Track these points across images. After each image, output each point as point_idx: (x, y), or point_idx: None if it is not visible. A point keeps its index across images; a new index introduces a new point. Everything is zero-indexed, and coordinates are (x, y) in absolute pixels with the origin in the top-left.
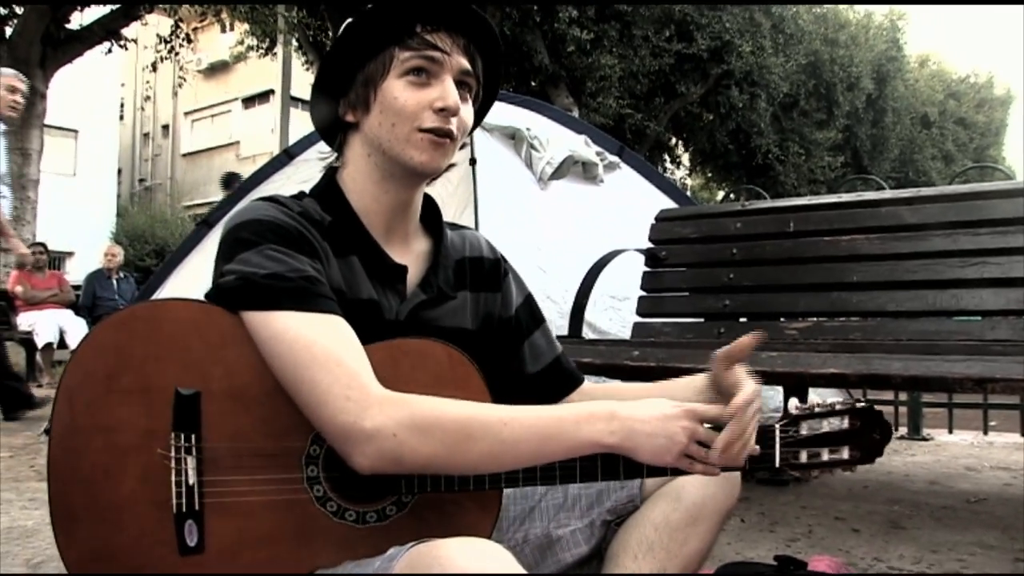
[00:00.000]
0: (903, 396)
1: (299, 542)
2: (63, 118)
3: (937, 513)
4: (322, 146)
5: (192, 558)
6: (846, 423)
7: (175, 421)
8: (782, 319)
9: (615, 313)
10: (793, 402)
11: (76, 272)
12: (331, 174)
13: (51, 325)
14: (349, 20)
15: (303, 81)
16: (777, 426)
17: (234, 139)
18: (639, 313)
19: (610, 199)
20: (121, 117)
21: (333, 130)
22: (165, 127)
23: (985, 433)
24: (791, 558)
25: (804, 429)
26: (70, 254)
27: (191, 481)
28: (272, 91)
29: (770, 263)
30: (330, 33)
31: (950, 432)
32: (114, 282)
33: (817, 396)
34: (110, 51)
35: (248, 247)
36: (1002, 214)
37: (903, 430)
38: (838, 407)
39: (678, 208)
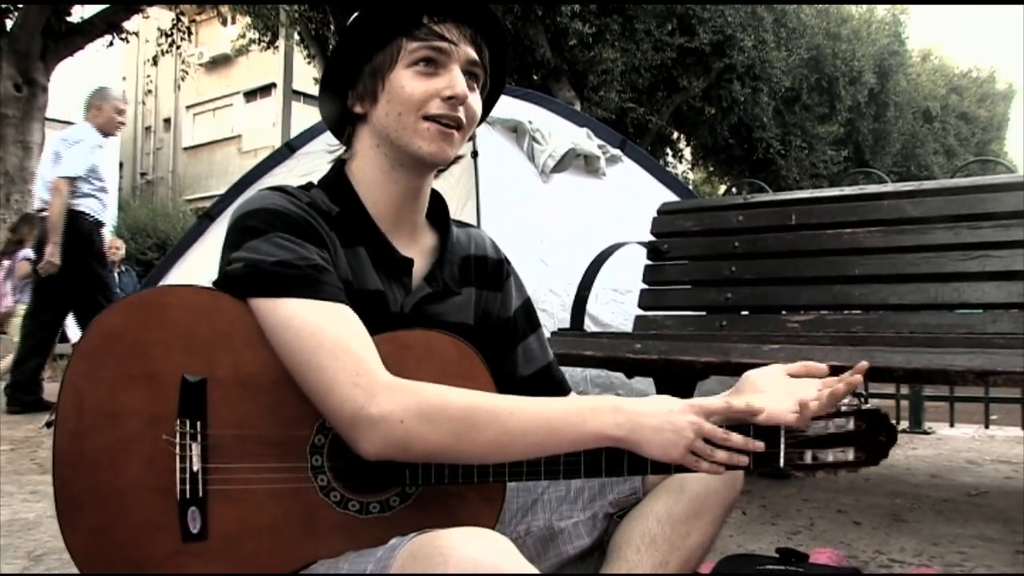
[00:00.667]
0: (904, 390)
1: (302, 531)
2: (64, 111)
3: (938, 506)
4: (330, 138)
5: (195, 544)
6: (852, 425)
7: (181, 407)
8: (784, 312)
9: (617, 306)
10: None
11: None
12: (340, 165)
13: None
14: (357, 12)
15: (305, 75)
16: (782, 426)
17: (236, 133)
18: (641, 306)
19: (612, 192)
20: None
21: (342, 123)
22: (167, 121)
23: (986, 427)
24: (793, 550)
25: (809, 430)
26: None
27: (195, 468)
28: (274, 85)
29: (772, 256)
30: (332, 27)
31: (951, 426)
32: (116, 275)
33: None
34: (111, 44)
35: (256, 235)
36: (1004, 208)
37: (904, 424)
38: (844, 408)
39: (680, 201)
